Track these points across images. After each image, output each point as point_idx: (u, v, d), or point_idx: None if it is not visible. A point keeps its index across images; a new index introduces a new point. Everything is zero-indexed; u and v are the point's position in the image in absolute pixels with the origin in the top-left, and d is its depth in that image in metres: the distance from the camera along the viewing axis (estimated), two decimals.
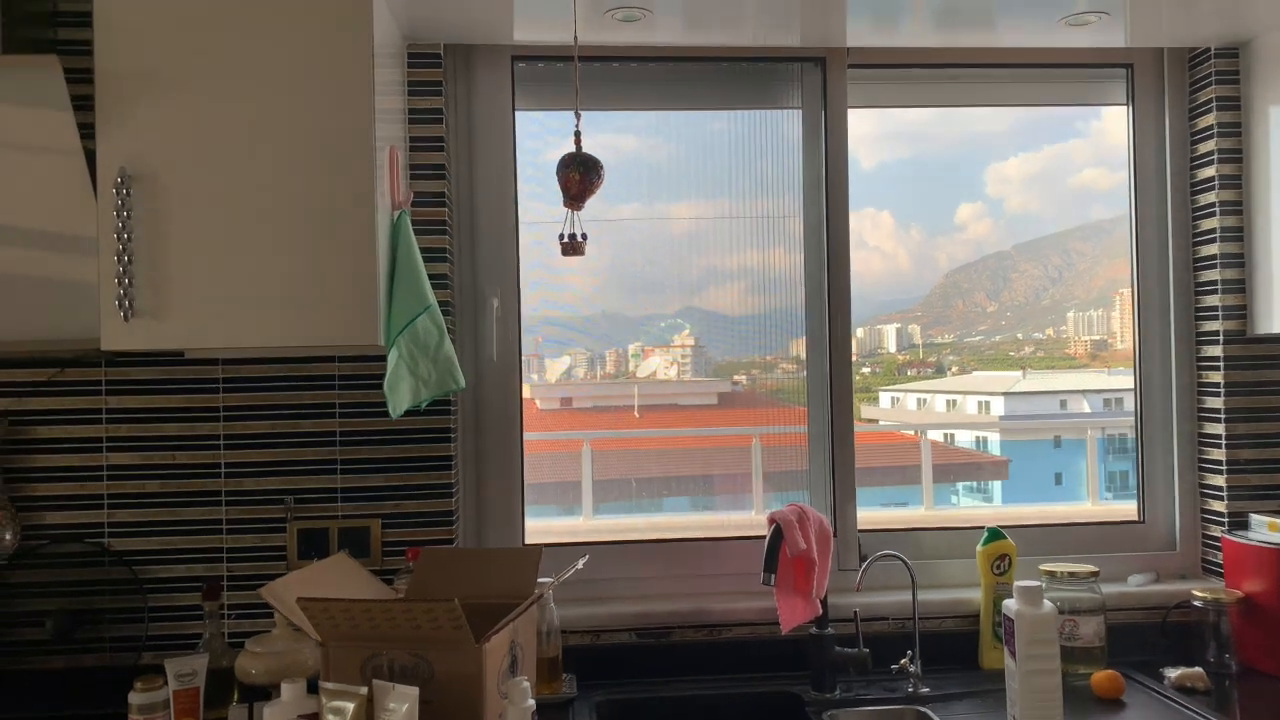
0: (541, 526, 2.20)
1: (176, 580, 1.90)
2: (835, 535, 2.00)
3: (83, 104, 1.57)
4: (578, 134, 1.73)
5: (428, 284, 1.77)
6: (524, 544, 2.10)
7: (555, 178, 1.73)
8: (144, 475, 1.90)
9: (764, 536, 1.91)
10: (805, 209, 2.18)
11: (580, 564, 1.69)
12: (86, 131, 1.58)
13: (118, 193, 1.56)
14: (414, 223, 1.83)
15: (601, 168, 1.72)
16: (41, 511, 1.88)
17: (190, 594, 1.88)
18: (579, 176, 1.71)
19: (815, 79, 2.16)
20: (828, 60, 2.14)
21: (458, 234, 2.08)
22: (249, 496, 1.92)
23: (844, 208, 2.15)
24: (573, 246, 1.74)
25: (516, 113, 2.11)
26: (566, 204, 1.73)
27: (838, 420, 2.16)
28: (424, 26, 1.92)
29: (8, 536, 1.84)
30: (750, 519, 3.57)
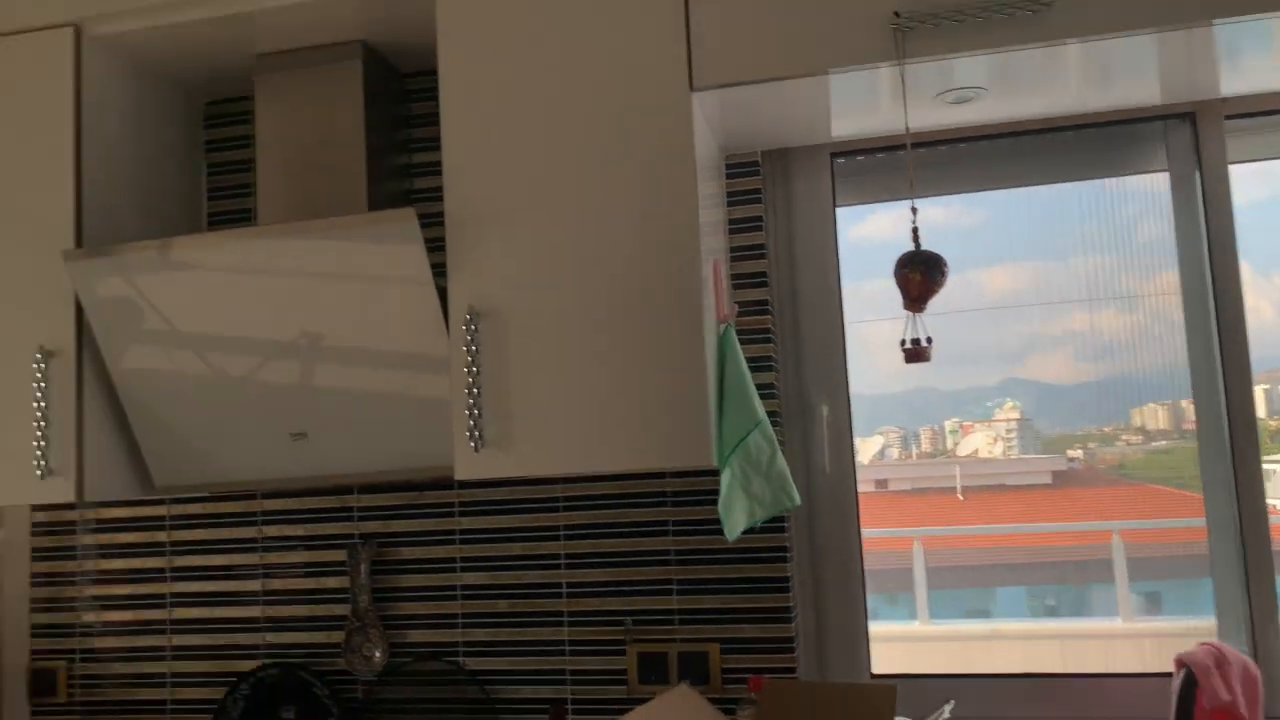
0: (878, 631, 2.01)
1: (524, 701, 1.93)
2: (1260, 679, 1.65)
3: (433, 245, 1.67)
4: (915, 230, 1.60)
5: (757, 398, 1.70)
6: (870, 671, 1.93)
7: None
8: (494, 595, 1.96)
9: (1163, 674, 1.61)
10: (1182, 271, 1.89)
11: (947, 711, 1.50)
12: (438, 270, 1.68)
13: (466, 329, 1.64)
14: (738, 332, 1.78)
15: (944, 265, 1.58)
16: (405, 629, 1.99)
17: (537, 716, 1.89)
18: (920, 277, 1.58)
19: (1183, 136, 1.88)
20: (1198, 115, 1.86)
21: (782, 341, 2.00)
22: (590, 617, 1.92)
23: (1234, 269, 1.84)
24: (917, 353, 1.60)
25: (836, 209, 2.02)
26: (907, 306, 1.60)
27: (1246, 516, 1.80)
28: (741, 137, 1.89)
29: (377, 654, 1.97)
30: (1115, 628, 3.10)
